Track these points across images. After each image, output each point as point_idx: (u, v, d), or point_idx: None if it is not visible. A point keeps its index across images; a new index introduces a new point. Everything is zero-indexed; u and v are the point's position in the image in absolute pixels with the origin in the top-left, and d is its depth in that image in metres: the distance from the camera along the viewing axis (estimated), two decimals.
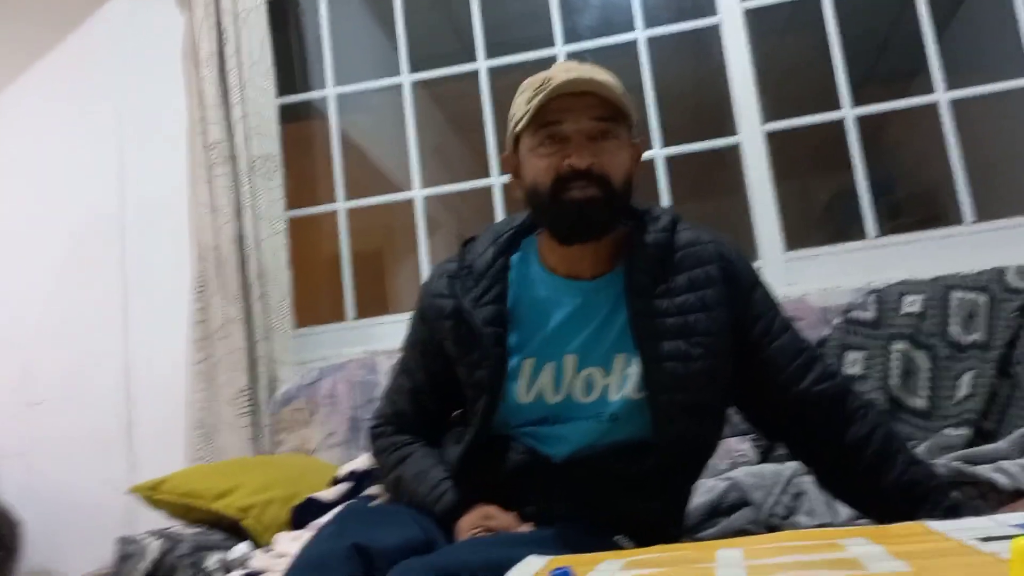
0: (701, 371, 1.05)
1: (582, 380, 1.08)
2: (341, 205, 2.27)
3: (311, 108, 2.42)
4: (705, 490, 1.36)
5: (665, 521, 1.10)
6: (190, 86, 2.19)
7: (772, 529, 1.19)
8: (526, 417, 1.09)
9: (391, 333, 2.06)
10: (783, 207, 1.99)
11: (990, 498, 1.24)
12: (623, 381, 1.07)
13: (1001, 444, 1.42)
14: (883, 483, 1.05)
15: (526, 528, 1.03)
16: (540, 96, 1.02)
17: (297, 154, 2.30)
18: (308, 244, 2.41)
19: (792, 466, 1.34)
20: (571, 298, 1.10)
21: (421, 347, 1.18)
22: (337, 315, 2.21)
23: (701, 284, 1.07)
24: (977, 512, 0.93)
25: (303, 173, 2.43)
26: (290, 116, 2.29)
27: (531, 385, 1.09)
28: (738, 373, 1.10)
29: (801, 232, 2.16)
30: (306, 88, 2.43)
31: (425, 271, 2.16)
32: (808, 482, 1.28)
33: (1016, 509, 1.06)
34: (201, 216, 2.10)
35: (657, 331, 1.05)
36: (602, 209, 1.03)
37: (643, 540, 1.01)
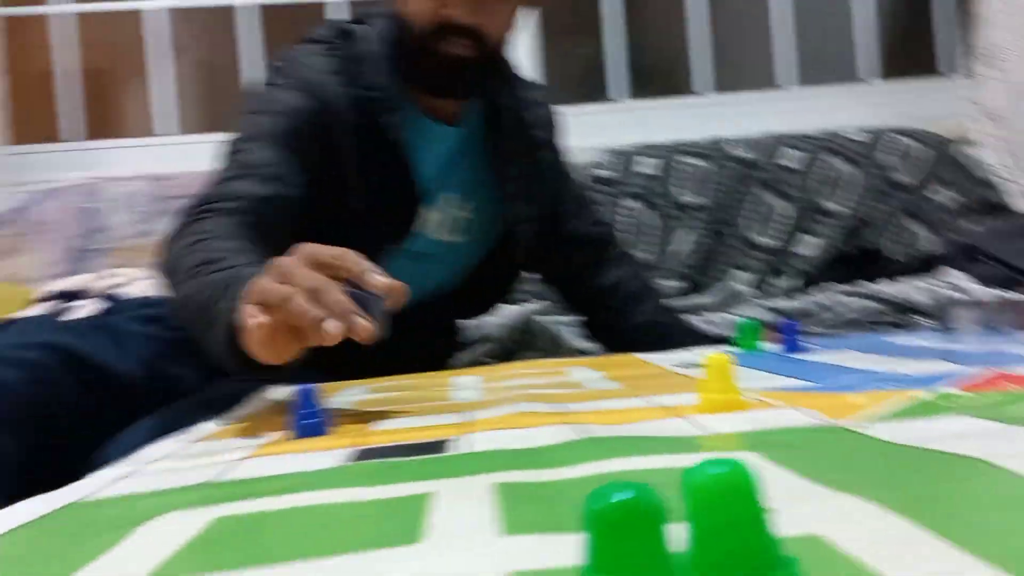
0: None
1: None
2: (69, 8, 1.97)
3: None
4: None
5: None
6: None
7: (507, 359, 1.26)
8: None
9: (120, 159, 1.88)
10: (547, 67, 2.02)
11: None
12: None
13: (706, 298, 1.59)
14: (628, 324, 1.12)
15: None
16: None
17: None
18: (28, 51, 2.08)
19: (530, 307, 1.42)
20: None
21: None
22: (56, 135, 1.96)
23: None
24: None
25: None
26: None
27: None
28: None
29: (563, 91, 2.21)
30: None
31: (158, 96, 1.97)
32: (540, 321, 1.36)
33: None
34: None
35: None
36: (476, 71, 0.94)
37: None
